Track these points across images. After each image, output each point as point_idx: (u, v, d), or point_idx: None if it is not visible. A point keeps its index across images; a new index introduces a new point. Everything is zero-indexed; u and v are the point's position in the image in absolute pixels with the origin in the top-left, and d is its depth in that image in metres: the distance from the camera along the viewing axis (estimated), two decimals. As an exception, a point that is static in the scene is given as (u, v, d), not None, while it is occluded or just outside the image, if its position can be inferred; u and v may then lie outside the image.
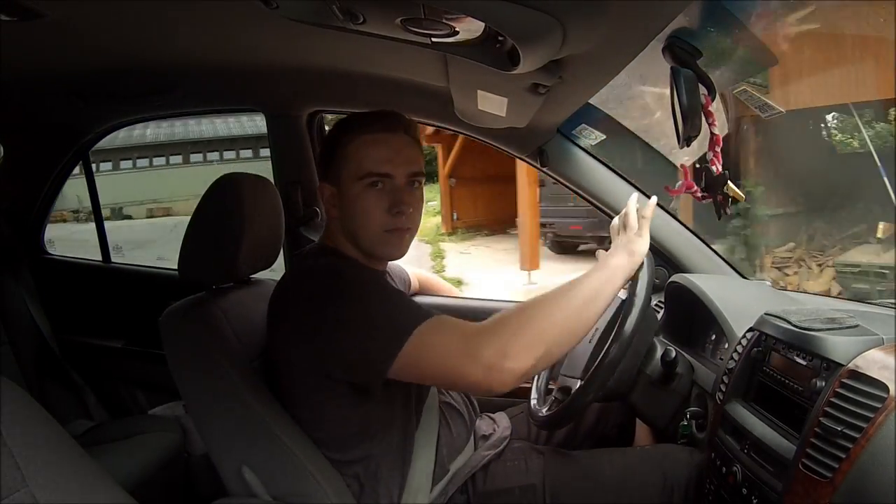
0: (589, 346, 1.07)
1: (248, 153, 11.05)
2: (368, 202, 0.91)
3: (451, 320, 0.81)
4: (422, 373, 0.81)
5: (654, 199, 0.96)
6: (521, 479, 0.97)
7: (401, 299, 0.86)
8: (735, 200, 0.91)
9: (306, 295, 0.87)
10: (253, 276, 1.11)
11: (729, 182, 0.88)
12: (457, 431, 1.01)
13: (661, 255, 1.38)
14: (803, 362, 0.80)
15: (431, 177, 9.60)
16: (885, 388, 0.68)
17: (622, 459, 1.02)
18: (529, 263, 5.88)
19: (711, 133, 0.83)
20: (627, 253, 0.90)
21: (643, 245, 0.91)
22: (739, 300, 1.12)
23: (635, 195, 0.97)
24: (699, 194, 0.93)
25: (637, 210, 0.94)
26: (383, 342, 0.79)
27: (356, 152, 0.91)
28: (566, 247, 7.11)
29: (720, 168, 0.87)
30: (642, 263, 0.93)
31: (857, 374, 0.72)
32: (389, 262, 1.22)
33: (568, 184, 1.41)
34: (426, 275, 1.52)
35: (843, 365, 0.74)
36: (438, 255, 7.58)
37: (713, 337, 1.13)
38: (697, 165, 0.96)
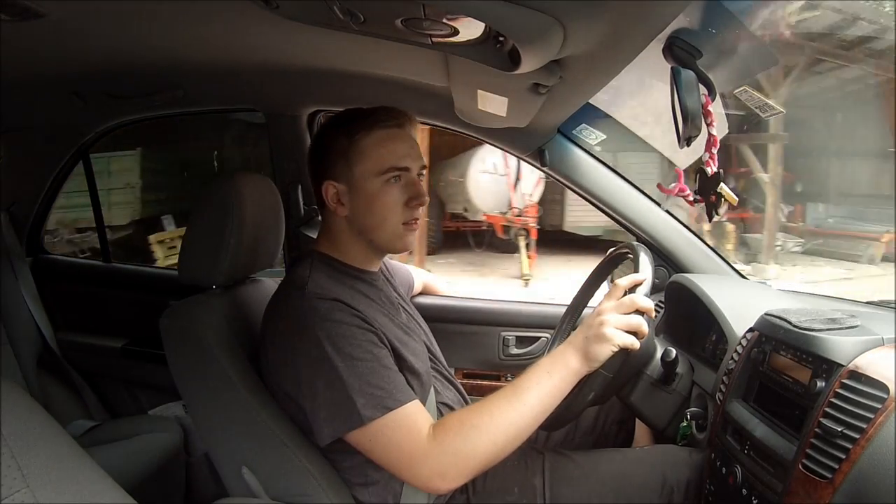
0: None
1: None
2: (390, 197, 0.91)
3: (406, 422, 0.82)
4: (366, 453, 0.85)
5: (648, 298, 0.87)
6: (521, 480, 0.97)
7: (371, 371, 0.83)
8: (728, 202, 0.90)
9: (282, 329, 0.87)
10: (253, 275, 1.11)
11: (722, 184, 0.88)
12: None
13: (661, 255, 1.38)
14: (803, 363, 0.80)
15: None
16: (885, 388, 0.68)
17: (622, 460, 1.02)
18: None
19: (709, 134, 0.83)
20: (586, 357, 0.84)
21: (603, 352, 0.82)
22: (739, 300, 1.12)
23: (626, 280, 0.89)
24: (690, 198, 0.93)
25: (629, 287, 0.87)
26: (334, 418, 0.82)
27: (374, 147, 0.91)
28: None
29: (714, 169, 0.87)
30: (643, 261, 0.93)
31: (857, 375, 0.72)
32: (395, 264, 1.21)
33: (568, 184, 1.41)
34: (431, 278, 1.52)
35: (843, 365, 0.74)
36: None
37: (713, 337, 1.13)
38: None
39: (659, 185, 1.04)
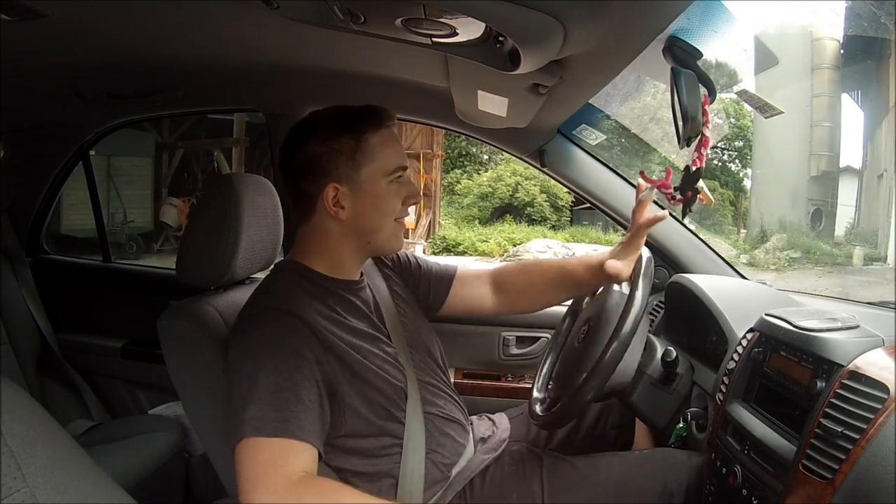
0: (585, 346, 1.07)
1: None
2: (393, 196, 0.91)
3: (280, 455, 0.74)
4: (236, 468, 0.76)
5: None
6: (520, 485, 0.96)
7: (280, 393, 0.77)
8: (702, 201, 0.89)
9: (234, 334, 0.87)
10: (252, 275, 1.11)
11: (700, 182, 0.87)
12: (454, 436, 0.98)
13: (661, 255, 1.38)
14: (804, 363, 0.80)
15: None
16: (885, 388, 0.68)
17: (621, 464, 1.01)
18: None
19: (702, 135, 0.83)
20: None
21: None
22: (739, 300, 1.11)
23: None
24: (670, 195, 0.92)
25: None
26: (233, 428, 0.77)
27: (381, 148, 0.89)
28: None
29: (699, 166, 0.87)
30: (644, 260, 0.93)
31: (857, 375, 0.72)
32: (432, 264, 1.15)
33: (568, 184, 1.41)
34: (464, 271, 1.15)
35: (843, 365, 0.74)
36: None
37: (713, 337, 1.12)
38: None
39: (642, 173, 1.01)
